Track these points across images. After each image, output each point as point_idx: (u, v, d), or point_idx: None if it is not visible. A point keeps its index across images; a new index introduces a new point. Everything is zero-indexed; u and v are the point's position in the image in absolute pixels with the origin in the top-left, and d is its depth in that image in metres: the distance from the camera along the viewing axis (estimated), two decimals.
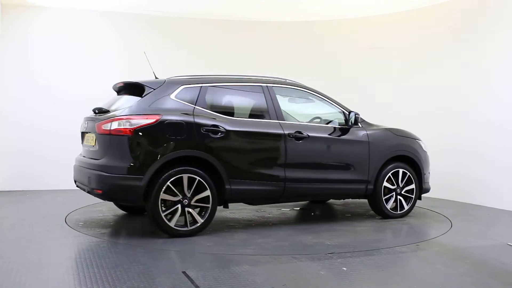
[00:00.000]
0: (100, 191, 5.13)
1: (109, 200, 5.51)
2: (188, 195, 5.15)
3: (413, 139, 6.57)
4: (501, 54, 7.45)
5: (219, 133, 5.32)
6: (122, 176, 5.01)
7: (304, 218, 6.62)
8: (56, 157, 8.41)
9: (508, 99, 7.30)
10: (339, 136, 6.02)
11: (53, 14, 8.78)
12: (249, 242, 5.05)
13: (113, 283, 3.71)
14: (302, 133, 5.74)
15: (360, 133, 6.13)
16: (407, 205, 6.39)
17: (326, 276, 3.99)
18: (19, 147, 8.51)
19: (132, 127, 5.02)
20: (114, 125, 5.07)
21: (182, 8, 8.91)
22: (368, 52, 9.26)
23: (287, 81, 6.16)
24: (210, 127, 5.28)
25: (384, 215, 6.30)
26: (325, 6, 8.89)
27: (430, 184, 6.76)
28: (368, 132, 6.17)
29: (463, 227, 5.99)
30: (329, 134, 5.99)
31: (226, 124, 5.39)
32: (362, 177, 6.08)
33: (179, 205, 5.12)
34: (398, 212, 6.35)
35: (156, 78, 5.83)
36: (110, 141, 5.11)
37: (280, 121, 5.70)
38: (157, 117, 5.10)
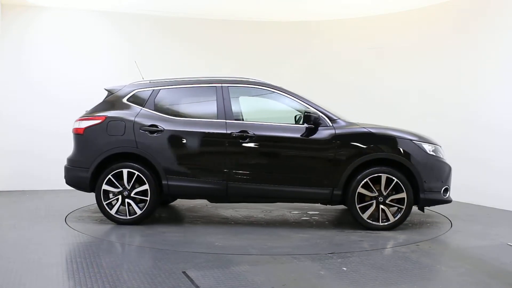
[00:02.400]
0: (65, 180, 6.07)
1: (74, 188, 6.11)
2: (128, 188, 5.73)
3: (409, 140, 5.68)
4: (501, 54, 7.45)
5: (156, 132, 5.73)
6: (75, 168, 5.93)
7: (285, 221, 6.52)
8: (56, 157, 8.33)
9: (508, 99, 7.30)
10: (301, 135, 5.67)
11: (53, 14, 8.77)
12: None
13: (113, 283, 3.71)
14: (248, 133, 5.67)
15: (326, 133, 5.64)
16: (394, 216, 5.61)
17: (326, 276, 3.99)
18: (19, 146, 8.51)
19: (82, 126, 5.88)
20: (75, 125, 6.01)
21: (182, 8, 8.92)
22: (369, 52, 9.26)
23: (250, 80, 6.02)
24: (148, 126, 5.76)
25: (362, 225, 5.67)
26: (325, 6, 8.89)
27: (446, 194, 5.80)
28: (337, 132, 5.63)
29: (463, 227, 5.99)
30: (283, 134, 5.72)
31: (165, 123, 5.77)
32: (325, 180, 5.64)
33: (119, 196, 5.73)
34: (380, 223, 5.61)
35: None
36: (73, 138, 6.03)
37: (226, 121, 5.74)
38: (103, 118, 5.84)
